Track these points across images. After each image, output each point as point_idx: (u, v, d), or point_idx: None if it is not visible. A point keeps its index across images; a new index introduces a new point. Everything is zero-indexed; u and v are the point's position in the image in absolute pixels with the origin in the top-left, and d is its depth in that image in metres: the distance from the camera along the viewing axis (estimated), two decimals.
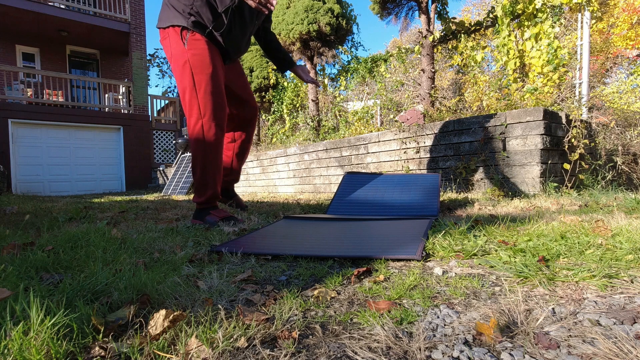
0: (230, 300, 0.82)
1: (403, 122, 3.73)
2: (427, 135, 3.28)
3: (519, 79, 4.06)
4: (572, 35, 4.52)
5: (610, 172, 3.10)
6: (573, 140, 2.81)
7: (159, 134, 10.78)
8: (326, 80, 7.20)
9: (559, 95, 3.58)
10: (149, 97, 10.49)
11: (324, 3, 6.79)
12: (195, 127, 1.81)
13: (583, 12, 3.88)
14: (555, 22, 3.77)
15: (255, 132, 8.97)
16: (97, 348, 0.59)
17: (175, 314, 0.65)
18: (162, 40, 1.84)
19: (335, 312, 0.75)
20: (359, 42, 20.85)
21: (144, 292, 0.81)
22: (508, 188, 2.73)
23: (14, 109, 8.13)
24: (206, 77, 1.78)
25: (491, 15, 4.50)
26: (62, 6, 9.01)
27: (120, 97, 10.30)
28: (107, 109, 9.99)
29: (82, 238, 1.35)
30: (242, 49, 2.06)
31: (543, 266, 0.93)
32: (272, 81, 8.47)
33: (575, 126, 2.82)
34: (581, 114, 3.39)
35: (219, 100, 1.83)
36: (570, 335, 0.60)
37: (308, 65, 7.00)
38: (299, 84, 7.56)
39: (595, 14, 4.22)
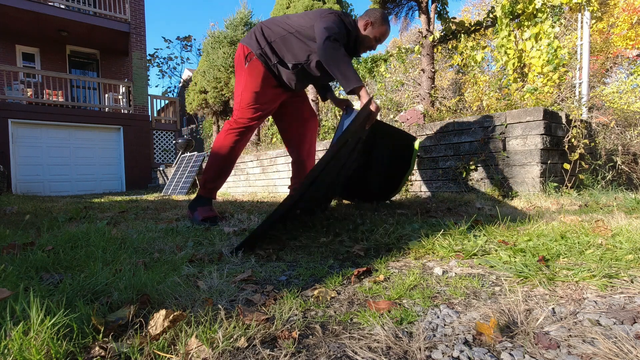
0: (230, 300, 0.82)
1: (403, 122, 3.73)
2: (427, 135, 3.28)
3: (518, 79, 4.06)
4: (572, 35, 4.52)
5: (610, 172, 3.10)
6: (573, 140, 2.81)
7: (159, 134, 10.77)
8: None
9: (559, 95, 3.58)
10: (149, 97, 10.48)
11: (324, 3, 6.78)
12: (221, 130, 2.07)
13: (583, 12, 3.88)
14: (555, 22, 3.76)
15: (255, 132, 8.96)
16: (97, 348, 0.59)
17: (175, 314, 0.65)
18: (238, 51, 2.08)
19: (335, 312, 0.75)
20: None
21: (144, 292, 0.81)
22: (508, 188, 2.72)
23: (14, 109, 8.12)
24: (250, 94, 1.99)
25: (491, 15, 4.49)
26: (62, 6, 9.00)
27: (120, 97, 10.29)
28: (107, 109, 9.98)
29: (82, 238, 1.35)
30: (299, 88, 2.28)
31: (543, 266, 0.92)
32: None
33: (575, 126, 2.82)
34: (581, 114, 3.39)
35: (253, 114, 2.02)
36: (570, 335, 0.60)
37: None
38: None
39: (595, 14, 4.22)
